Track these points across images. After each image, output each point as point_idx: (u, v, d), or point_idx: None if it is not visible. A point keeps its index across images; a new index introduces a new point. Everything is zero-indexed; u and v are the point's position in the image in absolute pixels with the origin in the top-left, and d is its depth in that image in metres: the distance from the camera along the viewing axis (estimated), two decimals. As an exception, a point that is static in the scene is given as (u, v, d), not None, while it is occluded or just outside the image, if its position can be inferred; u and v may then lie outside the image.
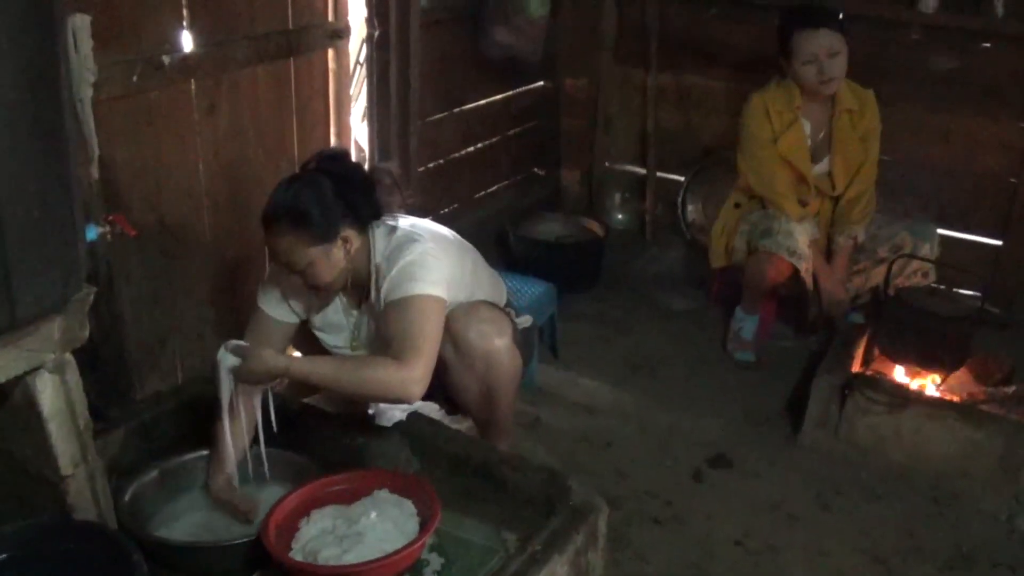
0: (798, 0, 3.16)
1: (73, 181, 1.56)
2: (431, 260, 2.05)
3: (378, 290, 2.09)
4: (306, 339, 2.34)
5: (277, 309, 2.18)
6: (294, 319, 2.21)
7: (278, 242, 1.98)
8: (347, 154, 2.14)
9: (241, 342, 1.95)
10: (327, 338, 2.27)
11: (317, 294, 2.14)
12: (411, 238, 2.08)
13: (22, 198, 1.42)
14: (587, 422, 2.85)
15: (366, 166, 2.14)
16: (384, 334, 2.06)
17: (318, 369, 1.95)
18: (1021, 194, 3.49)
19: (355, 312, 2.23)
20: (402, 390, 1.92)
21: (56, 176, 1.49)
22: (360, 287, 2.16)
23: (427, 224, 2.21)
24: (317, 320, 2.26)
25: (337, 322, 2.26)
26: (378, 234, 2.10)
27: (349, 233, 2.03)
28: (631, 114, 4.16)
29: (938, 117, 3.55)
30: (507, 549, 1.95)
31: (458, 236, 2.30)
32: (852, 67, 3.00)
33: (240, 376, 1.91)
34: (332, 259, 2.02)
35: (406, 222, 2.15)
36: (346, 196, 2.02)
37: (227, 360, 1.91)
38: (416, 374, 1.92)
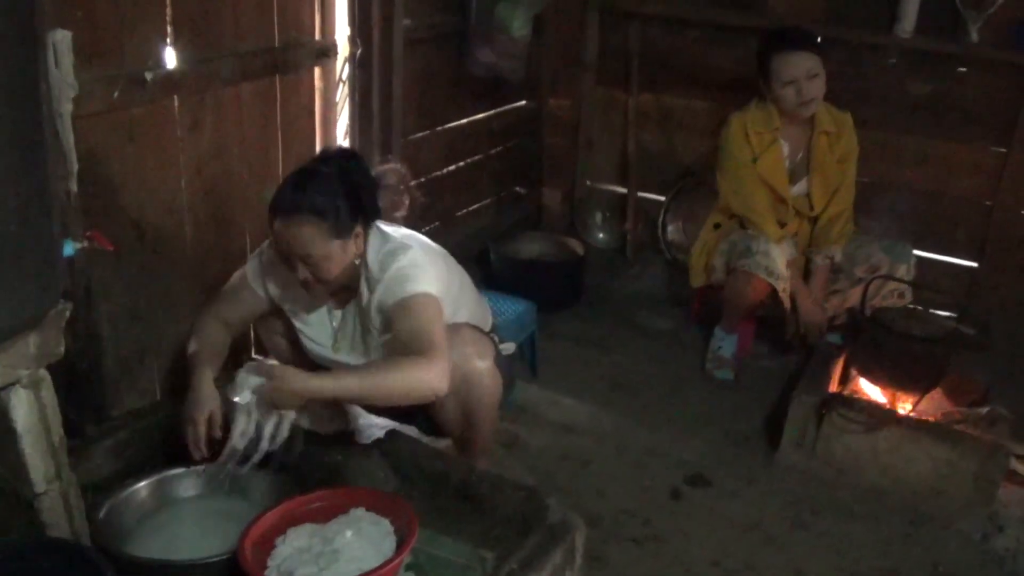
0: (777, 23, 3.21)
1: (51, 196, 1.56)
2: (421, 263, 2.10)
3: (370, 294, 2.12)
4: (289, 341, 2.38)
5: (257, 284, 2.26)
6: (267, 301, 2.28)
7: (297, 232, 2.00)
8: (359, 153, 2.19)
9: (262, 363, 1.95)
10: (309, 332, 2.30)
11: (309, 291, 2.16)
12: (403, 245, 2.12)
13: (-1, 212, 1.42)
14: (566, 441, 2.85)
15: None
16: (394, 338, 2.08)
17: (344, 383, 1.97)
18: (996, 217, 3.55)
19: (338, 313, 2.25)
20: (431, 385, 1.96)
21: (34, 191, 1.49)
22: (347, 288, 2.19)
23: (418, 236, 2.24)
24: (298, 317, 2.29)
25: (319, 321, 2.28)
26: (371, 237, 2.14)
27: (359, 231, 2.08)
28: (612, 134, 4.20)
29: (915, 140, 3.61)
30: (484, 568, 1.95)
31: (448, 254, 2.32)
32: (830, 90, 3.05)
33: (266, 397, 1.92)
34: (346, 256, 2.07)
35: (398, 232, 2.19)
36: (359, 194, 2.06)
37: (250, 380, 1.90)
38: (441, 367, 1.97)
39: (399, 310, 2.06)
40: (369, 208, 2.11)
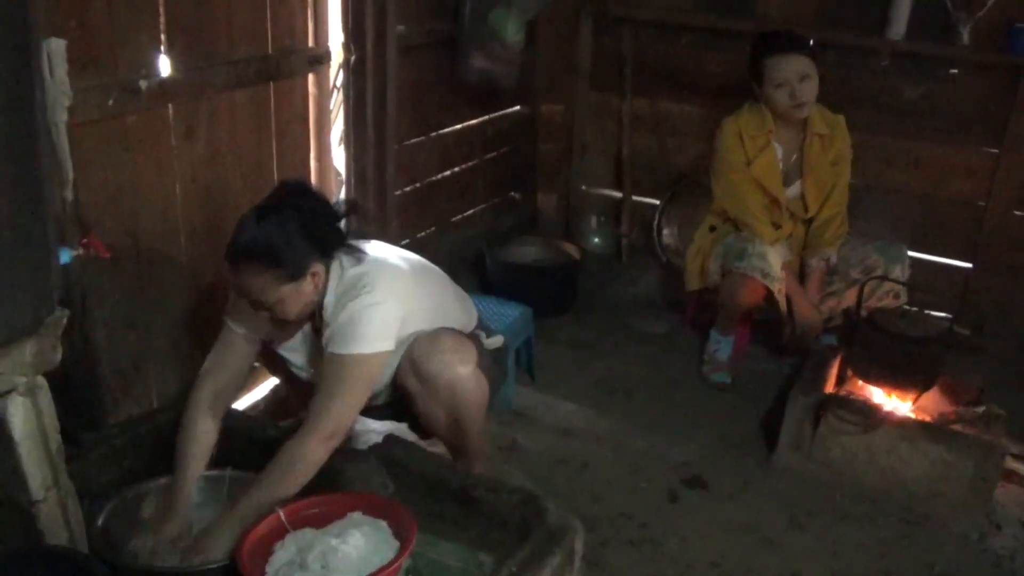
0: (769, 27, 3.22)
1: (47, 204, 1.56)
2: (376, 312, 2.02)
3: (325, 328, 2.07)
4: (276, 361, 2.36)
5: (240, 324, 2.19)
6: (256, 339, 2.22)
7: (248, 281, 1.97)
8: (310, 186, 2.14)
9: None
10: (292, 358, 2.29)
11: (282, 327, 2.15)
12: (361, 282, 2.04)
13: (-5, 221, 1.42)
14: (563, 444, 2.86)
15: (337, 197, 2.15)
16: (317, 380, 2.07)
17: (251, 507, 1.92)
18: (989, 218, 3.56)
19: (316, 337, 2.24)
20: (320, 453, 1.97)
21: (29, 199, 1.49)
22: (320, 315, 2.15)
23: (383, 254, 2.17)
24: (281, 346, 2.27)
25: (300, 346, 2.27)
26: (333, 267, 2.08)
27: (318, 268, 2.03)
28: (607, 139, 4.21)
29: (907, 142, 3.62)
30: (483, 571, 1.96)
31: (420, 260, 2.29)
32: (823, 93, 3.06)
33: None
34: (302, 295, 2.02)
35: (362, 263, 2.09)
36: (314, 230, 2.01)
37: None
38: (316, 439, 1.95)
39: (330, 362, 2.02)
40: (329, 242, 2.05)
